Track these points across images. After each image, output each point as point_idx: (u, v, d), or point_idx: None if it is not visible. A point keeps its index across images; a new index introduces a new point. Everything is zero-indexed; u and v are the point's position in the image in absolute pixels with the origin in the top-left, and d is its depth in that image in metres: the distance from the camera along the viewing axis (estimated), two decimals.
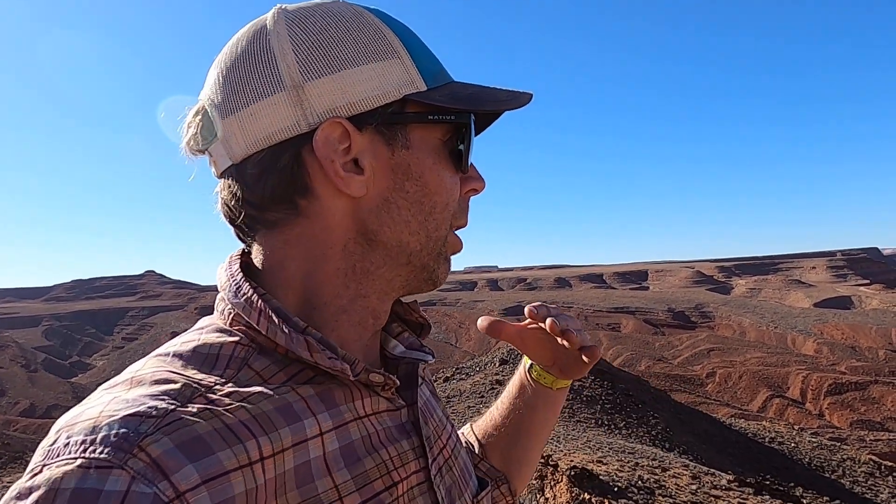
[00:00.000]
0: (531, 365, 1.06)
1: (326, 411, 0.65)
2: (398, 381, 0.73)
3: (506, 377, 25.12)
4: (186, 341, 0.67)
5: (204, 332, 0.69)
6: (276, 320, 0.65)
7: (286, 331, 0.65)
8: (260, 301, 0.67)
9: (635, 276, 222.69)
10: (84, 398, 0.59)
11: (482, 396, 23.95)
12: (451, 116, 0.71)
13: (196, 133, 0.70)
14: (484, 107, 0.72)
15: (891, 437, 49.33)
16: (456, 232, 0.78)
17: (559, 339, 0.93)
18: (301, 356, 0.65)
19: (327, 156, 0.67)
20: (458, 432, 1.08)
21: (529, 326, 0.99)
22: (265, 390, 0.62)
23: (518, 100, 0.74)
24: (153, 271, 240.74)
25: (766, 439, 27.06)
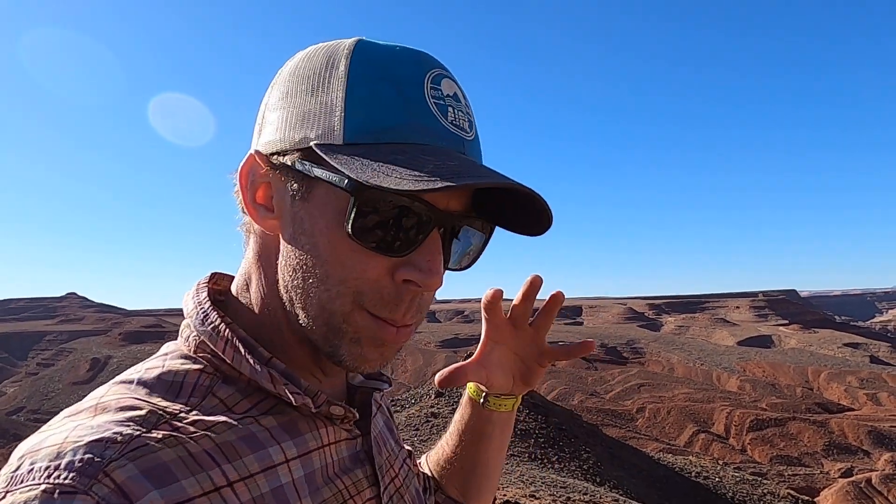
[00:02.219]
0: (484, 396, 1.01)
1: (291, 440, 0.66)
2: (357, 415, 0.73)
3: (441, 409, 25.03)
4: (150, 367, 0.66)
5: (168, 358, 0.68)
6: (242, 350, 0.65)
7: (251, 361, 0.65)
8: (227, 330, 0.67)
9: (570, 312, 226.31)
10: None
11: (417, 429, 23.72)
12: (336, 178, 0.62)
13: None
14: (371, 179, 0.58)
15: (807, 472, 51.45)
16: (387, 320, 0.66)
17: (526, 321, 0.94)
18: (265, 387, 0.65)
19: (243, 185, 0.69)
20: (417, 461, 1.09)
21: (487, 342, 0.96)
22: (229, 420, 0.62)
23: (429, 182, 0.57)
24: (75, 294, 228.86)
25: (693, 473, 27.76)
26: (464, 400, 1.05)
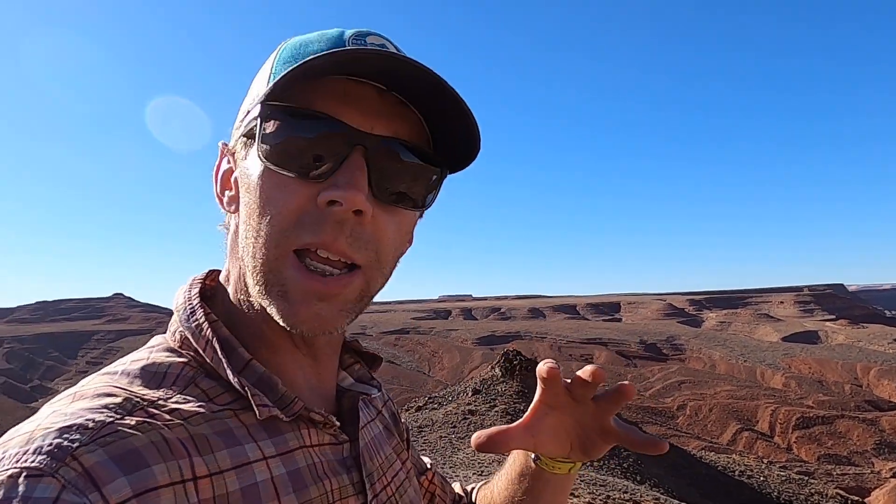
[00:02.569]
0: (537, 456, 0.93)
1: (269, 439, 0.65)
2: (337, 423, 0.73)
3: (478, 406, 25.04)
4: (136, 360, 0.67)
5: (154, 350, 0.69)
6: (220, 353, 0.65)
7: (226, 367, 0.65)
8: (209, 330, 0.67)
9: (608, 308, 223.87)
10: None
11: (454, 427, 23.75)
12: (247, 113, 0.68)
13: None
14: (273, 84, 0.63)
15: (857, 472, 49.94)
16: (330, 269, 0.65)
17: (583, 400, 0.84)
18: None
19: (215, 175, 0.75)
20: (452, 485, 1.11)
21: (540, 405, 0.86)
22: (207, 412, 0.62)
23: (312, 62, 0.61)
24: (122, 294, 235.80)
25: (736, 472, 27.18)
26: (516, 455, 0.99)
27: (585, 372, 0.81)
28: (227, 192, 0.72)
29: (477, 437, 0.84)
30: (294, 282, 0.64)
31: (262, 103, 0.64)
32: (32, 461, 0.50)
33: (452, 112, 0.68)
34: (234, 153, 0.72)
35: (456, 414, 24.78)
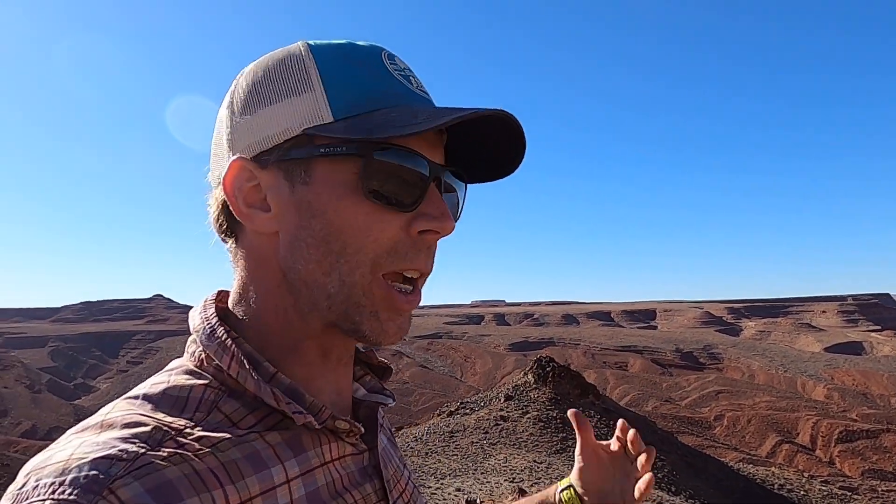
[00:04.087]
0: (567, 486, 1.05)
1: (294, 458, 0.66)
2: (363, 429, 0.74)
3: (510, 412, 24.96)
4: (156, 383, 0.67)
5: (174, 373, 0.69)
6: (247, 366, 0.66)
7: (255, 377, 0.66)
8: (233, 346, 0.68)
9: (643, 315, 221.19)
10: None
11: (486, 432, 23.72)
12: (342, 148, 0.66)
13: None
14: (379, 133, 0.64)
15: None
16: (409, 286, 0.71)
17: (627, 459, 1.00)
18: (268, 403, 0.66)
19: (231, 192, 0.70)
20: None
21: (610, 446, 1.02)
22: (234, 437, 0.63)
23: (435, 119, 0.64)
24: (161, 295, 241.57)
25: (776, 486, 26.53)
26: (549, 493, 1.08)
27: (625, 432, 1.01)
28: (254, 210, 0.70)
29: (577, 412, 1.03)
30: (386, 303, 0.69)
31: (365, 141, 0.65)
32: (69, 494, 0.50)
33: (497, 140, 0.74)
34: (265, 171, 0.70)
35: (488, 419, 24.74)
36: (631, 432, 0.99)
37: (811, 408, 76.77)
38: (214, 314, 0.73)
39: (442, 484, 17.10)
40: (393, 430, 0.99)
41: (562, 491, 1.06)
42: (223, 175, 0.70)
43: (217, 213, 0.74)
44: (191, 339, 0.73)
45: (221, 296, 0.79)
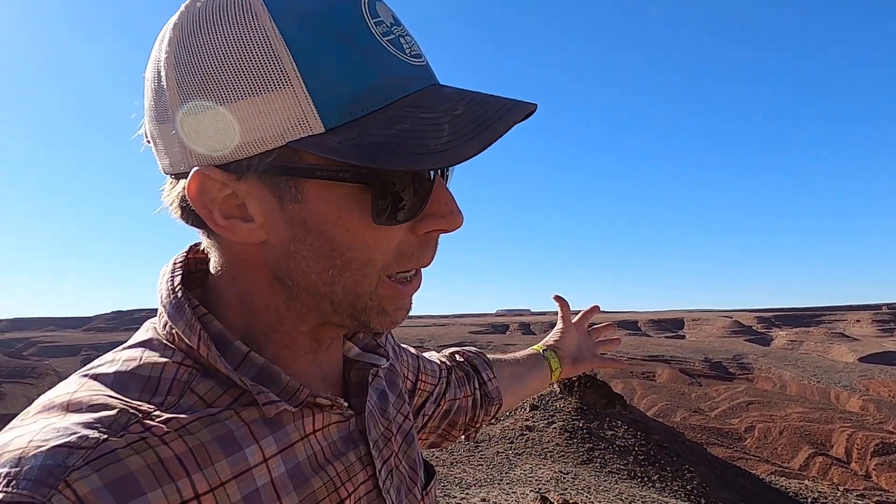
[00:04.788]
0: (547, 349, 1.39)
1: (271, 434, 0.63)
2: (345, 404, 0.70)
3: (536, 422, 24.85)
4: (128, 359, 0.63)
5: (147, 350, 0.64)
6: (215, 350, 0.62)
7: (223, 361, 0.62)
8: (199, 327, 0.63)
9: (671, 324, 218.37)
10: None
11: (511, 442, 23.65)
12: (345, 174, 0.57)
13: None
14: (393, 164, 0.54)
15: None
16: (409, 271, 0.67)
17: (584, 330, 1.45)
18: (239, 385, 0.62)
19: (202, 206, 0.60)
20: (468, 350, 1.31)
21: (578, 319, 1.45)
22: (205, 416, 0.59)
23: (460, 149, 0.55)
24: None
25: (809, 499, 25.95)
26: (535, 353, 1.40)
27: (591, 308, 1.47)
28: (233, 220, 0.61)
29: (558, 296, 1.41)
30: (390, 299, 0.66)
31: (372, 171, 0.57)
32: (24, 487, 0.47)
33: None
34: (243, 183, 0.59)
35: (513, 430, 24.65)
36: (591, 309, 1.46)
37: (846, 419, 74.91)
38: (180, 284, 0.67)
39: (467, 494, 17.05)
40: (397, 344, 1.01)
41: (545, 351, 1.38)
42: (187, 183, 0.59)
43: (179, 207, 0.64)
44: (161, 307, 0.67)
45: (195, 250, 0.72)
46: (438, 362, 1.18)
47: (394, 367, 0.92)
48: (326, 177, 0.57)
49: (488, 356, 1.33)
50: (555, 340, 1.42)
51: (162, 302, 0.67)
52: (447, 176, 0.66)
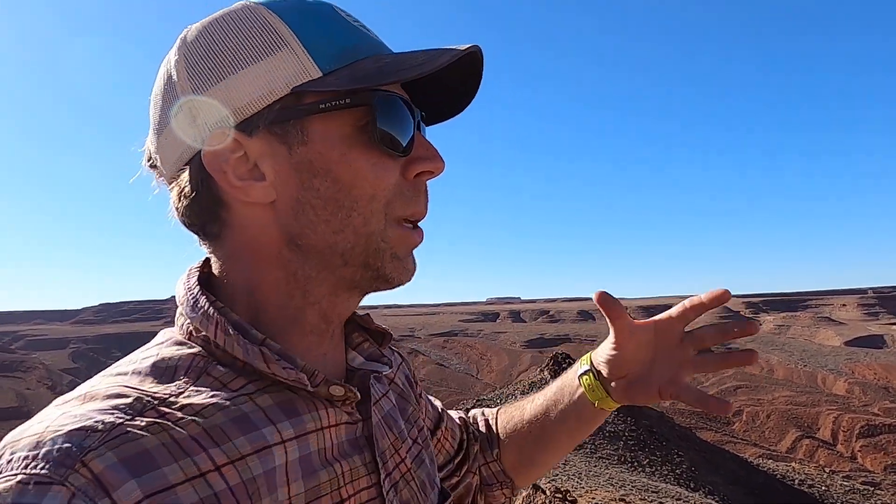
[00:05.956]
0: (587, 370, 1.01)
1: (287, 420, 0.65)
2: (358, 395, 0.72)
3: None
4: (146, 357, 0.66)
5: (163, 346, 0.68)
6: (233, 332, 0.65)
7: (242, 342, 0.64)
8: (216, 314, 0.66)
9: (659, 310, 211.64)
10: None
11: None
12: (346, 100, 0.64)
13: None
14: (386, 80, 0.63)
15: None
16: (410, 223, 0.72)
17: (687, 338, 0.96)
18: (258, 368, 0.64)
19: (217, 168, 0.66)
20: (476, 413, 1.16)
21: (656, 327, 0.96)
22: (220, 401, 0.61)
23: (435, 61, 0.64)
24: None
25: (796, 481, 26.30)
26: (569, 377, 1.06)
27: (708, 294, 0.95)
28: (246, 182, 0.66)
29: (602, 293, 0.92)
30: (402, 241, 0.70)
31: (365, 90, 0.64)
32: (42, 467, 0.50)
33: (454, 81, 0.74)
34: (253, 139, 0.66)
35: None
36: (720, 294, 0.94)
37: (832, 402, 75.85)
38: (197, 283, 0.71)
39: None
40: (413, 378, 0.98)
41: (581, 375, 1.02)
42: (200, 154, 0.66)
43: (188, 201, 0.69)
44: (178, 310, 0.71)
45: (208, 264, 0.76)
46: (460, 425, 1.11)
47: (406, 393, 0.92)
48: (329, 108, 0.64)
49: (504, 414, 1.14)
50: (601, 358, 1.00)
51: (179, 301, 0.71)
52: (423, 130, 0.73)
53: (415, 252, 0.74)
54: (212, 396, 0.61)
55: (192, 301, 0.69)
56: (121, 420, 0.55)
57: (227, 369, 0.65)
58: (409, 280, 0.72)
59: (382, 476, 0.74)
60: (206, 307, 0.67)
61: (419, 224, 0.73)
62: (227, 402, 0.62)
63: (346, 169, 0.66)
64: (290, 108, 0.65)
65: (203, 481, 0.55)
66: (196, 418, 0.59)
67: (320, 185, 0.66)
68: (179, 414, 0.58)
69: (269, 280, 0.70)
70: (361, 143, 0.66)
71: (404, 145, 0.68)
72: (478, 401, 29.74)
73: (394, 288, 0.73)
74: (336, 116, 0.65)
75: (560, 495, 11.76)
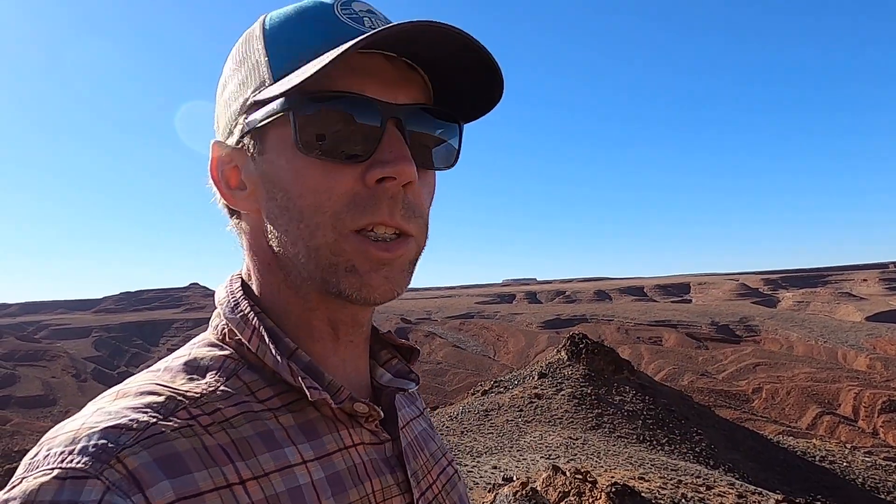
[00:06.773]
0: None
1: (307, 442, 0.65)
2: (381, 413, 0.71)
3: (544, 390, 24.99)
4: (178, 356, 0.68)
5: (196, 346, 0.69)
6: (267, 340, 0.66)
7: (273, 352, 0.65)
8: (255, 319, 0.67)
9: (677, 289, 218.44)
10: None
11: (521, 410, 23.82)
12: (275, 105, 0.63)
13: None
14: (304, 76, 0.60)
15: None
16: (376, 234, 0.64)
17: None
18: (286, 379, 0.65)
19: (216, 179, 0.71)
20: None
21: None
22: (249, 412, 0.62)
23: (343, 43, 0.60)
24: (198, 284, 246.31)
25: (817, 458, 26.15)
26: None
27: None
28: (235, 192, 0.69)
29: None
30: (360, 254, 0.64)
31: (293, 93, 0.61)
32: (77, 462, 0.51)
33: (473, 67, 0.67)
34: (236, 150, 0.68)
35: (522, 397, 24.82)
36: None
37: (853, 378, 75.26)
38: (240, 288, 0.72)
39: (478, 462, 17.26)
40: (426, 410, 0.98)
41: None
42: (209, 160, 0.72)
43: (219, 205, 0.75)
44: (215, 312, 0.73)
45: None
46: None
47: (430, 428, 0.91)
48: (267, 115, 0.64)
49: None
50: None
51: (219, 303, 0.73)
52: (407, 131, 0.66)
53: (389, 267, 0.66)
54: (240, 405, 0.62)
55: (232, 303, 0.70)
56: (154, 419, 0.56)
57: (256, 376, 0.66)
58: (381, 298, 0.66)
59: (416, 496, 0.73)
60: (246, 311, 0.68)
61: (405, 233, 0.66)
62: (255, 415, 0.62)
63: (293, 178, 0.64)
64: (249, 119, 0.66)
65: (230, 493, 0.56)
66: (225, 427, 0.60)
67: (278, 195, 0.65)
68: (209, 419, 0.59)
69: (272, 283, 0.71)
70: (306, 149, 0.63)
71: (356, 151, 0.63)
72: (495, 382, 29.83)
73: (359, 305, 0.68)
74: (282, 123, 0.63)
75: (580, 476, 11.77)
